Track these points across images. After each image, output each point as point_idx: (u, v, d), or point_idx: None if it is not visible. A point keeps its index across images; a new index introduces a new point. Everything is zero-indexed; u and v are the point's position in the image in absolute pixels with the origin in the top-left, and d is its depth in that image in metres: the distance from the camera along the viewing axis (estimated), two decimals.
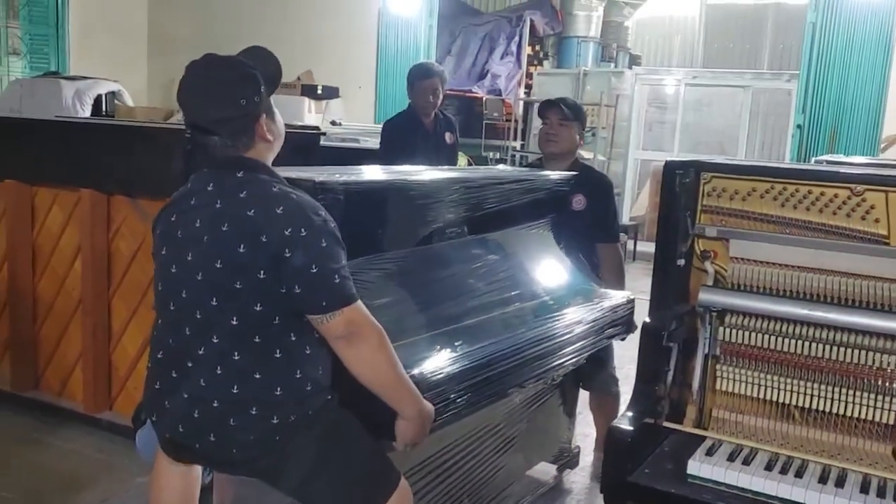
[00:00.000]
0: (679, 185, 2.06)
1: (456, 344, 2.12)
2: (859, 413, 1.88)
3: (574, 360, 2.47)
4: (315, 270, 1.69)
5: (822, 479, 1.70)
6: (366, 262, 2.08)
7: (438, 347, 2.08)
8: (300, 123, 6.10)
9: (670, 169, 2.07)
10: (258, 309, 1.71)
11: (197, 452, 1.83)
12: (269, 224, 1.69)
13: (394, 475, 1.89)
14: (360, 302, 1.75)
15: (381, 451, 1.88)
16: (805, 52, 7.12)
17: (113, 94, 6.91)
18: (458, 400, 2.02)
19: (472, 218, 2.57)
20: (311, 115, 8.19)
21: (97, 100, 6.70)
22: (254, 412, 1.73)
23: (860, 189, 1.95)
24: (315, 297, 1.71)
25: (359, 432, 1.86)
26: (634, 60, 12.08)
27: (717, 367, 2.04)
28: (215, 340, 1.74)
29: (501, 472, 2.69)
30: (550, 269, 2.80)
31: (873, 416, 1.87)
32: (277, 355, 1.74)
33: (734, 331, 2.01)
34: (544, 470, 3.10)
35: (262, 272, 1.69)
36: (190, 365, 1.77)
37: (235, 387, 1.73)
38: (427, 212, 2.40)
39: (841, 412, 1.90)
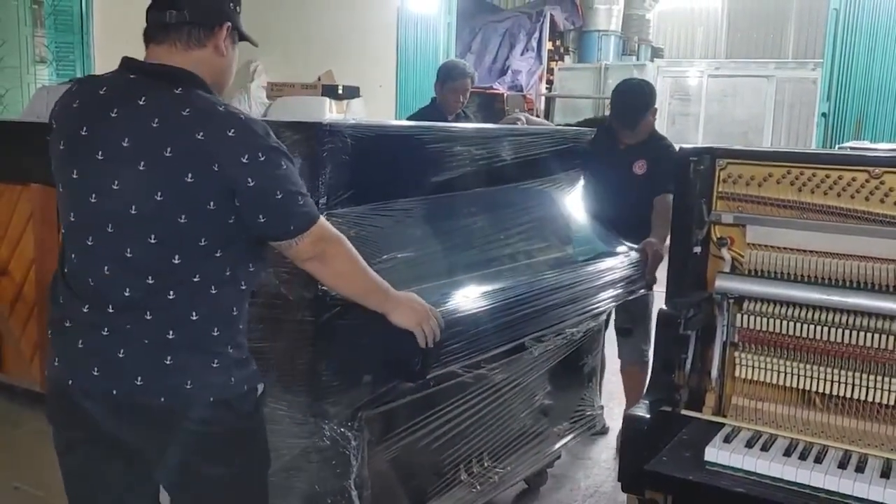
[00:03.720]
0: (694, 172, 2.05)
1: (472, 288, 2.19)
2: (881, 398, 1.85)
3: (594, 312, 2.58)
4: (280, 196, 1.57)
5: (842, 465, 1.68)
6: (372, 209, 2.11)
7: (455, 292, 2.14)
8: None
9: (684, 156, 2.05)
10: (202, 244, 1.55)
11: (108, 401, 1.59)
12: (222, 149, 1.52)
13: None
14: (322, 217, 1.67)
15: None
16: (829, 39, 7.04)
17: None
18: (479, 341, 2.08)
19: (487, 169, 2.62)
20: (332, 114, 8.22)
21: None
22: (191, 356, 1.58)
23: (878, 172, 1.93)
24: (283, 223, 1.60)
25: (266, 452, 1.75)
26: (656, 53, 12.01)
27: (736, 354, 2.02)
28: (150, 281, 1.55)
29: (522, 433, 2.73)
30: (569, 223, 2.93)
31: (894, 401, 1.84)
32: (213, 291, 1.58)
33: (752, 317, 1.99)
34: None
35: (211, 203, 1.53)
36: (111, 311, 1.57)
37: (171, 332, 1.56)
38: (438, 161, 2.43)
39: (862, 397, 1.87)
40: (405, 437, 2.26)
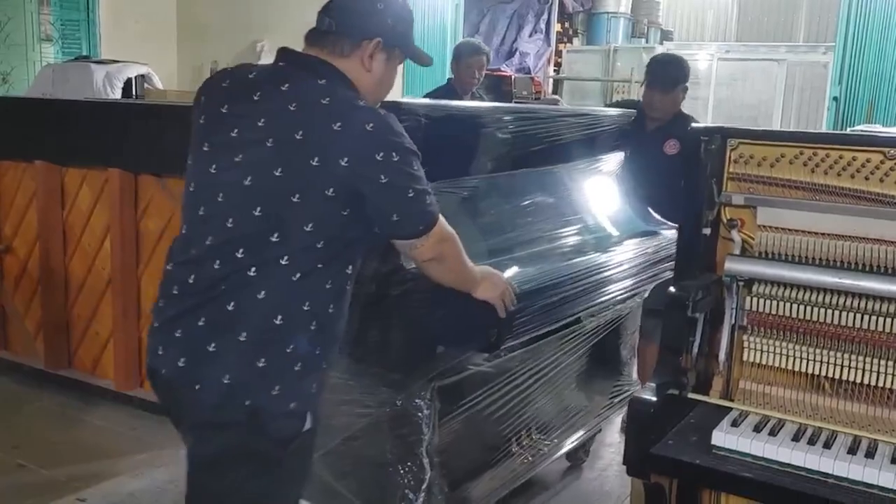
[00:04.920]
0: (705, 151, 2.01)
1: (526, 265, 2.32)
2: (892, 384, 1.82)
3: (640, 289, 2.73)
4: (412, 195, 1.61)
5: (852, 450, 1.65)
6: (439, 187, 2.15)
7: (521, 267, 2.28)
8: None
9: (694, 135, 2.02)
10: (307, 229, 1.55)
11: (161, 381, 1.62)
12: (357, 144, 1.55)
13: None
14: (440, 216, 1.72)
15: None
16: (841, 22, 6.95)
17: (143, 77, 6.95)
18: (546, 314, 2.23)
19: (545, 149, 2.77)
20: None
21: (127, 83, 6.74)
22: (242, 338, 1.54)
23: (893, 153, 1.89)
24: (414, 221, 1.65)
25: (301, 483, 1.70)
26: (666, 36, 11.89)
27: (745, 337, 1.99)
28: (239, 255, 1.54)
29: (567, 407, 2.88)
30: (616, 203, 3.12)
31: None
32: (294, 279, 1.56)
33: (762, 300, 1.95)
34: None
35: (331, 190, 1.54)
36: (191, 281, 1.58)
37: (232, 304, 1.54)
38: (497, 141, 2.54)
39: (873, 383, 1.84)
40: (468, 409, 2.38)
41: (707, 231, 2.04)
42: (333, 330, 1.66)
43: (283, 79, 1.63)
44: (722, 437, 1.70)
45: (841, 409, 1.86)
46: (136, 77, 6.86)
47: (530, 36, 10.87)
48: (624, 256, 2.75)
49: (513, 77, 10.04)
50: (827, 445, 1.68)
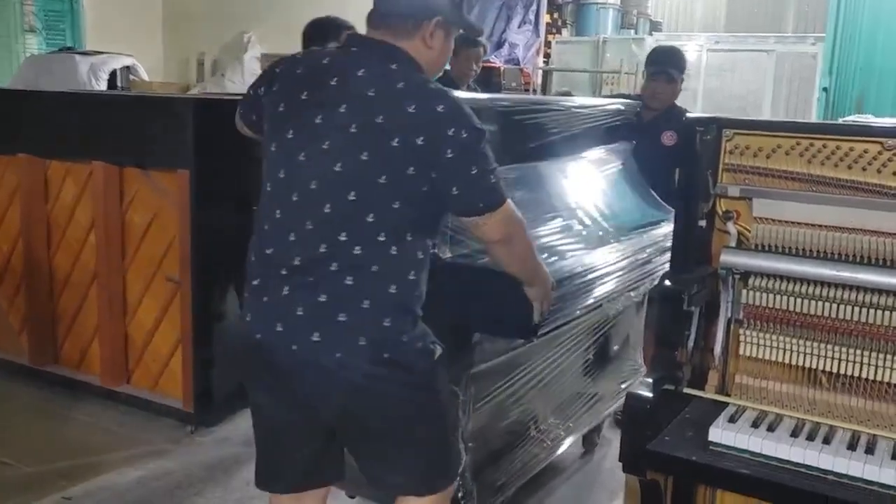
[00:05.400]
0: (700, 142, 1.97)
1: (566, 251, 2.47)
2: (890, 377, 1.80)
3: (654, 275, 2.78)
4: (474, 172, 1.70)
5: (852, 446, 1.63)
6: None
7: (554, 255, 2.40)
8: None
9: (690, 125, 1.98)
10: (395, 207, 1.68)
11: (289, 357, 1.71)
12: (430, 122, 1.66)
13: (461, 458, 1.96)
14: (509, 200, 1.80)
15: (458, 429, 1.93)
16: (830, 13, 6.93)
17: (128, 69, 6.87)
18: (576, 301, 2.35)
19: (567, 139, 2.90)
20: None
21: (112, 75, 6.66)
22: (366, 306, 1.70)
23: (891, 143, 1.86)
24: (474, 198, 1.73)
25: (452, 398, 1.92)
26: (655, 27, 11.85)
27: (741, 331, 1.96)
28: (342, 238, 1.68)
29: (581, 392, 3.00)
30: (630, 192, 3.23)
31: None
32: (393, 252, 1.71)
33: (758, 293, 1.92)
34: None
35: (411, 168, 1.66)
36: (299, 264, 1.70)
37: (350, 278, 1.69)
38: (530, 130, 2.68)
39: (871, 377, 1.82)
40: (496, 395, 2.47)
41: (703, 223, 2.01)
42: (424, 293, 1.83)
43: (358, 65, 1.71)
44: (719, 434, 1.67)
45: (839, 404, 1.84)
46: (120, 69, 6.79)
47: (519, 27, 10.80)
48: (638, 245, 2.85)
49: (502, 68, 9.98)
50: (826, 441, 1.65)
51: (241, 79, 8.62)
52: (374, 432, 1.81)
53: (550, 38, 11.08)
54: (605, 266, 2.58)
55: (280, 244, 1.73)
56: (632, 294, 2.87)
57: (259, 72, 8.67)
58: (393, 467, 1.85)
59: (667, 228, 3.02)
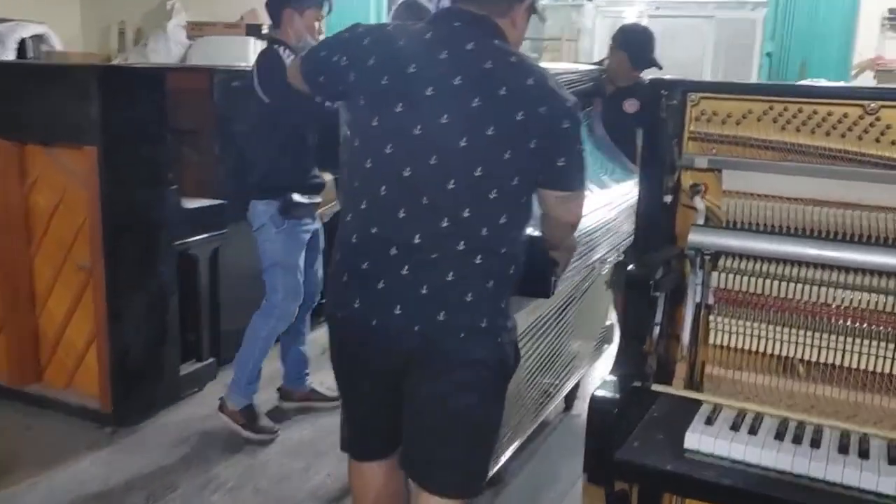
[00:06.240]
0: (666, 108, 1.77)
1: None
2: (874, 366, 1.62)
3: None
4: (579, 147, 1.74)
5: (843, 449, 1.45)
6: None
7: None
8: (244, 65, 5.66)
9: (654, 89, 1.77)
10: (514, 183, 1.68)
11: (410, 339, 1.69)
12: (549, 94, 1.67)
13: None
14: None
15: None
16: None
17: (39, 38, 6.38)
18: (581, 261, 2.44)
19: None
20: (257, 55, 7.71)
21: (21, 44, 6.17)
22: (490, 286, 1.70)
23: (874, 106, 1.68)
24: (574, 171, 1.75)
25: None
26: None
27: (711, 317, 1.77)
28: (466, 214, 1.65)
29: (565, 354, 3.08)
30: (610, 155, 3.33)
31: (891, 369, 1.62)
32: (514, 235, 1.73)
33: (730, 275, 1.73)
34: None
35: (533, 142, 1.65)
36: (419, 242, 1.66)
37: (479, 258, 1.67)
38: None
39: (854, 365, 1.65)
40: None
41: (668, 198, 1.81)
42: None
43: (465, 38, 1.69)
44: (696, 439, 1.48)
45: (820, 396, 1.67)
46: (31, 37, 6.29)
47: None
48: (626, 202, 2.88)
49: None
50: (815, 444, 1.47)
51: (165, 48, 8.14)
52: (452, 419, 1.77)
53: None
54: (602, 228, 2.64)
55: (387, 222, 1.69)
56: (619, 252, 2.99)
57: (185, 41, 8.27)
58: (448, 461, 1.82)
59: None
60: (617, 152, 3.38)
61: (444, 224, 1.65)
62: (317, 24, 3.14)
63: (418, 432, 1.80)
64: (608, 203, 2.89)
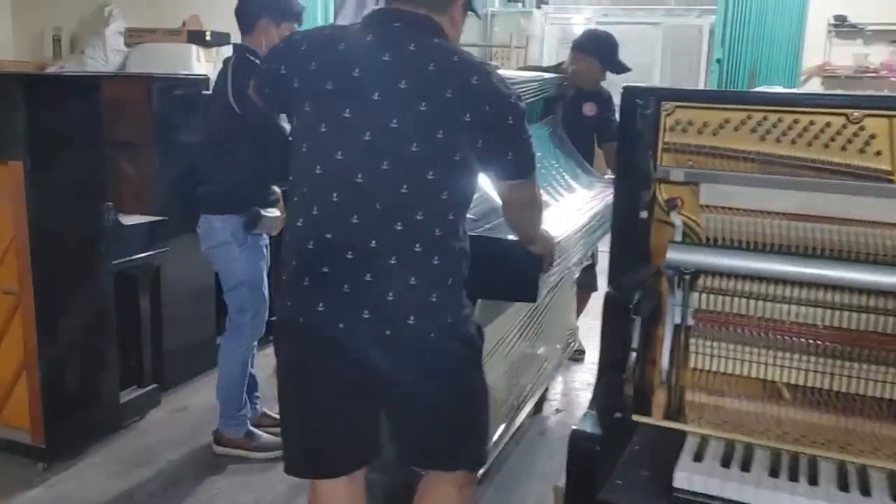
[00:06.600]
0: (641, 118, 1.65)
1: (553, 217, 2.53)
2: (867, 390, 1.54)
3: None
4: (525, 137, 1.75)
5: (843, 486, 1.34)
6: None
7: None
8: (186, 73, 5.46)
9: (630, 97, 1.66)
10: (464, 182, 1.73)
11: (382, 342, 1.69)
12: (493, 92, 1.68)
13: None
14: None
15: None
16: None
17: None
18: (562, 265, 2.37)
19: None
20: (200, 63, 7.46)
21: None
22: (450, 284, 1.73)
23: (858, 115, 1.59)
24: (525, 161, 1.77)
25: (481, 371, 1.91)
26: (543, 0, 11.65)
27: (691, 340, 1.66)
28: (419, 217, 1.67)
29: (539, 356, 3.14)
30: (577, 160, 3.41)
31: (882, 393, 1.53)
32: (461, 232, 1.77)
33: (711, 296, 1.63)
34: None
35: (480, 141, 1.68)
36: (374, 247, 1.66)
37: (437, 259, 1.69)
38: None
39: (843, 389, 1.56)
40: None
41: (644, 214, 1.70)
42: None
43: (406, 39, 1.68)
44: (686, 478, 1.36)
45: (810, 423, 1.57)
46: None
47: None
48: (593, 211, 2.91)
49: None
50: (812, 481, 1.36)
51: (103, 56, 7.85)
52: (444, 407, 1.81)
53: None
54: (581, 230, 2.66)
55: (341, 228, 1.68)
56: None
57: (123, 48, 7.97)
58: (449, 441, 1.86)
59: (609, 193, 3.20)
60: (578, 156, 3.43)
61: (398, 227, 1.66)
62: None
63: (419, 425, 1.83)
64: (580, 208, 2.86)
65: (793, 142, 1.64)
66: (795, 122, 1.63)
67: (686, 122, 1.71)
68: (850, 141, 1.60)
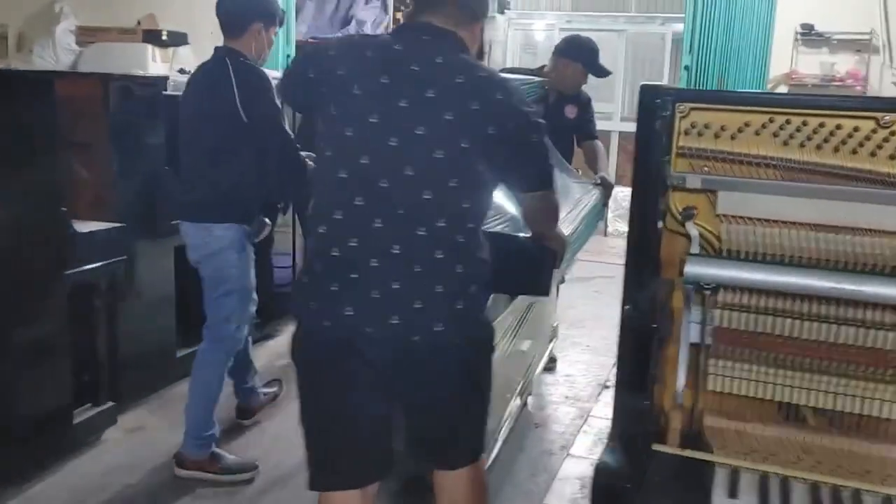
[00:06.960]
0: (659, 120, 1.53)
1: None
2: None
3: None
4: (545, 152, 1.84)
5: None
6: None
7: None
8: (143, 73, 5.23)
9: (648, 97, 1.53)
10: (485, 192, 1.79)
11: (410, 347, 1.71)
12: (516, 109, 1.73)
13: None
14: None
15: None
16: None
17: None
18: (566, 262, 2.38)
19: None
20: (156, 63, 7.20)
21: None
22: (473, 291, 1.77)
23: (889, 119, 1.49)
24: (546, 173, 1.86)
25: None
26: (504, 5, 11.59)
27: (710, 361, 1.54)
28: (441, 224, 1.70)
29: (528, 352, 3.20)
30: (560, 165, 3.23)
31: None
32: (481, 239, 1.80)
33: (733, 313, 1.51)
34: None
35: (503, 155, 1.73)
36: (397, 252, 1.68)
37: (460, 266, 1.72)
38: None
39: (876, 414, 1.45)
40: None
41: (660, 224, 1.57)
42: None
43: (434, 51, 1.73)
44: None
45: (843, 451, 1.46)
46: None
47: (367, 3, 10.21)
48: (583, 204, 3.00)
49: None
50: None
51: (52, 55, 7.53)
52: (463, 412, 1.87)
53: (399, 15, 10.56)
54: (578, 228, 2.68)
55: (364, 232, 1.70)
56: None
57: (75, 48, 7.68)
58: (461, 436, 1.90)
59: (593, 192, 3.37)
60: (560, 157, 3.35)
61: (421, 233, 1.68)
62: None
63: (440, 429, 1.87)
64: (570, 210, 2.85)
65: (818, 147, 1.53)
66: (821, 125, 1.53)
67: (702, 125, 1.59)
68: (879, 147, 1.50)
